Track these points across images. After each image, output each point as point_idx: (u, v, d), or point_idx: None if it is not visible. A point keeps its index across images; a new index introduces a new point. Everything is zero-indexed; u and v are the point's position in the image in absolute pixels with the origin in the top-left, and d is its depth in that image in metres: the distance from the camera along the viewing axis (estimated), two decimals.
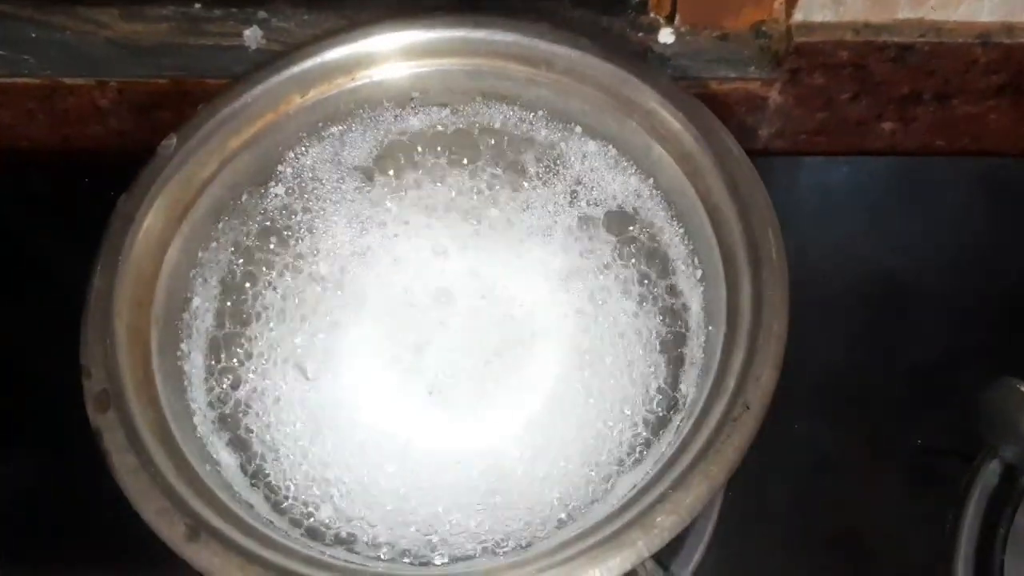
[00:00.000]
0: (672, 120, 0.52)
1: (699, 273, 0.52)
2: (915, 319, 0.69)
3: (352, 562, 0.45)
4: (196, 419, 0.50)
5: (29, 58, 0.78)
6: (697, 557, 0.58)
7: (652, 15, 0.73)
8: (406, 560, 0.47)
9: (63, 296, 0.71)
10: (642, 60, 0.68)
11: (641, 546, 0.41)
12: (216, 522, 0.43)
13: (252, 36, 0.74)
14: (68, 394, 0.69)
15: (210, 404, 0.51)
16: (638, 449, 0.50)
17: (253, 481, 0.49)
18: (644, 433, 0.50)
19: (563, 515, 0.49)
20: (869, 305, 0.70)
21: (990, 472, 0.60)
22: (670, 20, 0.72)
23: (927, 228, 0.73)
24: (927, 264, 0.72)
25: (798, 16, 0.70)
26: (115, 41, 0.76)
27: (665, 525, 0.42)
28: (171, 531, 0.42)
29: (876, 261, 0.72)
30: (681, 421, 0.49)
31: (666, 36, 0.73)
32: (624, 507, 0.44)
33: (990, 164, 0.78)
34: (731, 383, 0.45)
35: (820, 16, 0.70)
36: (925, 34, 0.70)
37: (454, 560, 0.47)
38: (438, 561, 0.47)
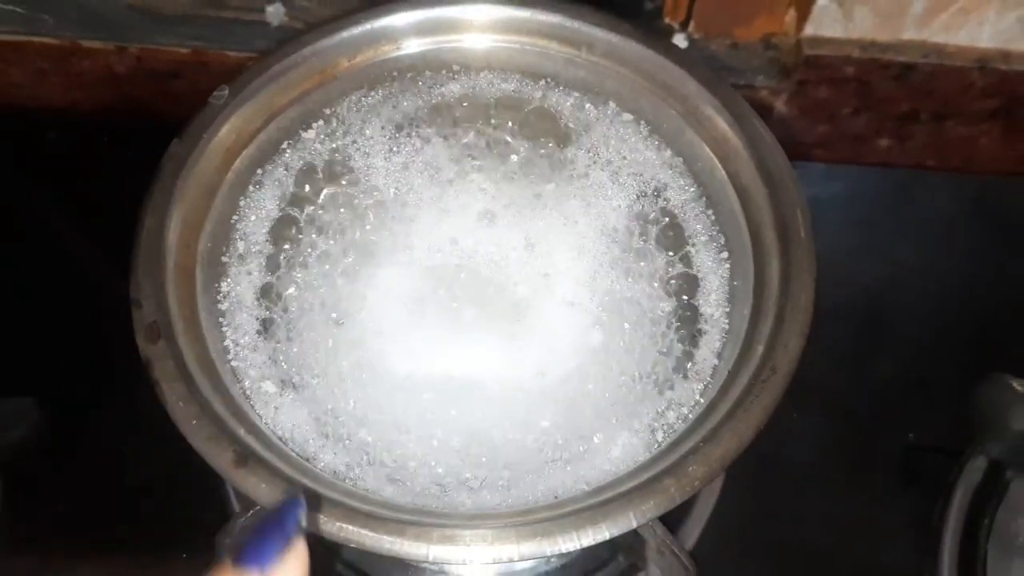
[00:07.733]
0: (707, 106, 0.54)
1: (724, 249, 0.55)
2: (903, 323, 0.73)
3: (390, 499, 0.46)
4: (230, 355, 0.52)
5: (48, 18, 0.78)
6: (699, 529, 0.60)
7: (667, 21, 0.75)
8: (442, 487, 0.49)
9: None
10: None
11: (673, 492, 0.43)
12: (263, 452, 0.45)
13: (275, 13, 0.76)
14: (80, 352, 0.70)
15: (248, 343, 0.52)
16: (656, 408, 0.52)
17: (293, 416, 0.51)
18: (663, 392, 0.52)
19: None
20: (858, 309, 0.73)
21: (975, 468, 0.63)
22: (684, 27, 0.75)
23: (916, 238, 0.77)
24: (915, 271, 0.75)
25: (808, 30, 0.73)
26: (137, 7, 0.76)
27: (697, 475, 0.44)
28: (220, 457, 0.44)
29: (866, 268, 0.75)
30: (705, 384, 0.51)
31: (679, 41, 0.76)
32: (657, 457, 0.46)
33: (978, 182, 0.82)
34: (759, 349, 0.47)
35: (830, 31, 0.73)
36: (928, 55, 0.74)
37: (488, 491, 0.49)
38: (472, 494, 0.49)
